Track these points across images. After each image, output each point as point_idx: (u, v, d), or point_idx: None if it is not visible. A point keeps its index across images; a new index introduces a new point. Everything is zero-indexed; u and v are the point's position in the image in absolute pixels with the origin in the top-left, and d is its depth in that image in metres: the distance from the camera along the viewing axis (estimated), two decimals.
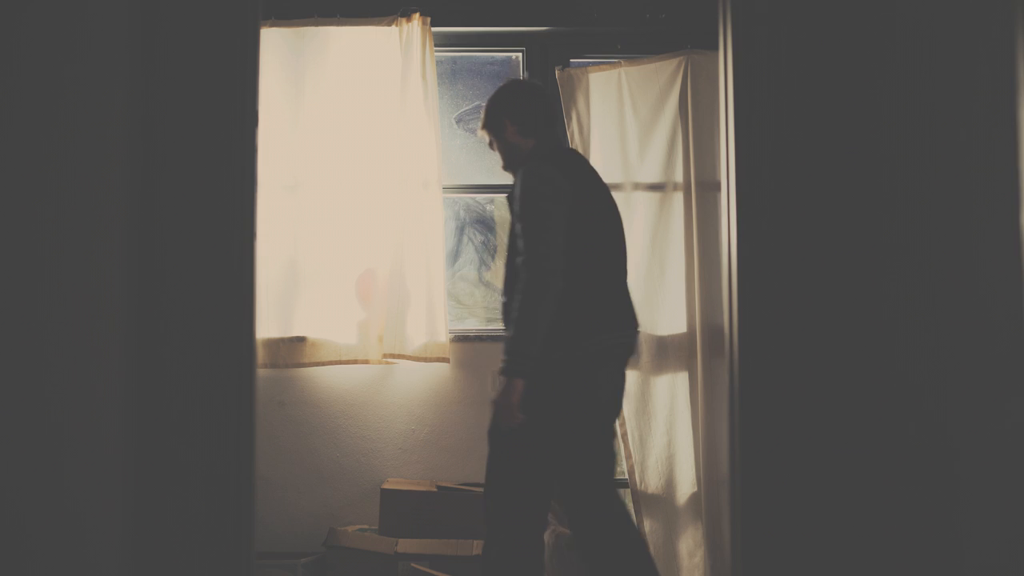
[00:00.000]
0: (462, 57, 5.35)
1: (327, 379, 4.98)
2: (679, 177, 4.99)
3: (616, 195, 4.98)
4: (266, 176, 4.81)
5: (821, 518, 3.07)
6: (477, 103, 5.34)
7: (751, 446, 3.11)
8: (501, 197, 5.33)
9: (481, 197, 5.37)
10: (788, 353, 3.11)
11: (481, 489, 4.67)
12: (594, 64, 5.13)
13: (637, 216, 4.99)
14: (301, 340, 4.92)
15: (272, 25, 4.96)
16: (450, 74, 5.33)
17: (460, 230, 5.39)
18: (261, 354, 4.86)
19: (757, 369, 3.12)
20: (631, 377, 4.90)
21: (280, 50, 4.99)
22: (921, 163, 3.13)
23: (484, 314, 5.28)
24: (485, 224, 5.39)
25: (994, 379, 3.09)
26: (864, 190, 3.13)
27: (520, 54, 5.28)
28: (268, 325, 4.87)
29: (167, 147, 3.01)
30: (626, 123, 5.04)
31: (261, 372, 4.81)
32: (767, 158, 3.16)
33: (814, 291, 3.12)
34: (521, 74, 5.27)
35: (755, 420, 3.11)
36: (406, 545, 4.48)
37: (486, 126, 3.90)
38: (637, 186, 5.02)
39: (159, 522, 2.93)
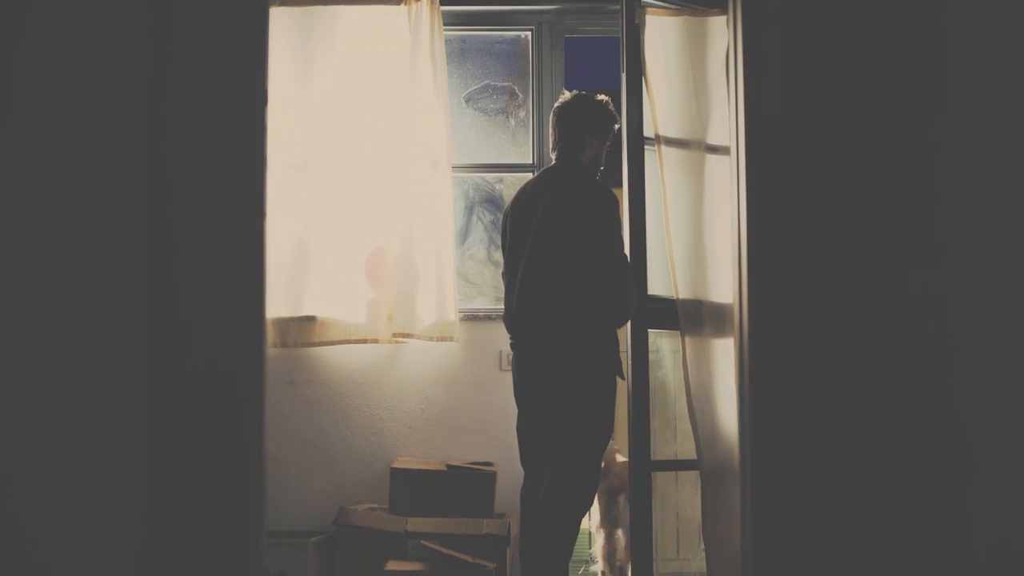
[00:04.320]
0: (471, 36, 5.33)
1: (337, 358, 4.99)
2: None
3: (685, 153, 4.60)
4: (275, 156, 4.76)
5: (831, 500, 3.06)
6: (486, 82, 5.33)
7: (760, 422, 3.10)
8: (511, 176, 5.32)
9: (490, 176, 5.37)
10: (799, 329, 3.10)
11: (490, 468, 4.70)
12: (655, 6, 4.78)
13: (706, 178, 4.74)
14: (311, 319, 4.93)
15: (281, 5, 4.95)
16: (459, 53, 5.32)
17: (469, 209, 5.39)
18: (271, 333, 4.86)
19: (767, 344, 3.11)
20: (694, 347, 4.71)
21: (289, 30, 4.98)
22: (939, 137, 3.12)
23: (493, 293, 5.28)
24: (494, 203, 5.39)
25: (1011, 360, 3.08)
26: (879, 166, 3.12)
27: (529, 33, 5.26)
28: (278, 304, 4.87)
29: (177, 128, 3.01)
30: (692, 78, 4.80)
31: (271, 351, 4.81)
32: (777, 128, 3.15)
33: (826, 269, 3.11)
34: (530, 53, 5.24)
35: (764, 397, 3.10)
36: (416, 524, 4.49)
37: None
38: (706, 147, 4.79)
39: (171, 501, 2.94)
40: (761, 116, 3.16)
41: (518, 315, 4.09)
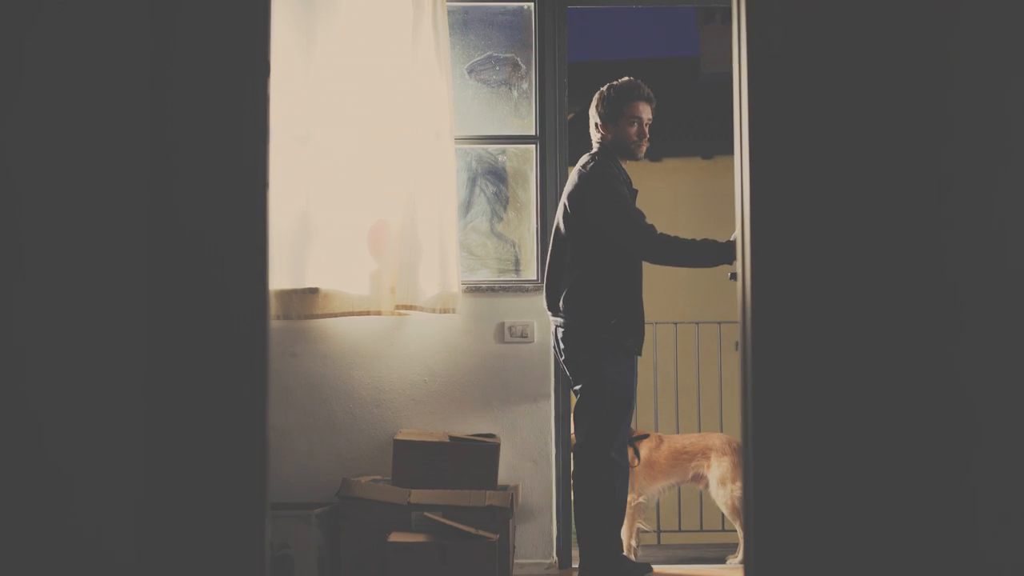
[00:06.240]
0: (473, 7, 5.30)
1: (340, 330, 4.99)
2: None
3: None
4: (277, 127, 4.78)
5: (832, 470, 3.07)
6: (489, 53, 5.30)
7: (762, 399, 3.11)
8: (513, 148, 5.31)
9: (493, 148, 5.35)
10: (800, 290, 3.09)
11: (493, 440, 4.71)
12: None
13: None
14: (314, 291, 4.93)
15: None
16: (461, 24, 5.29)
17: (472, 181, 5.37)
18: (274, 305, 4.87)
19: (768, 302, 3.11)
20: None
21: (291, 0, 4.96)
22: (942, 106, 3.10)
23: (496, 265, 5.28)
24: (497, 175, 5.37)
25: (1012, 331, 3.08)
26: (882, 137, 3.11)
27: (532, 4, 5.23)
28: (280, 276, 4.87)
29: (177, 99, 3.00)
30: None
31: (273, 323, 4.82)
32: (781, 68, 3.13)
33: (828, 235, 3.10)
34: (533, 24, 5.21)
35: (766, 360, 3.11)
36: (419, 495, 4.51)
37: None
38: None
39: (173, 474, 2.95)
40: (765, 59, 3.15)
41: (545, 294, 4.69)
